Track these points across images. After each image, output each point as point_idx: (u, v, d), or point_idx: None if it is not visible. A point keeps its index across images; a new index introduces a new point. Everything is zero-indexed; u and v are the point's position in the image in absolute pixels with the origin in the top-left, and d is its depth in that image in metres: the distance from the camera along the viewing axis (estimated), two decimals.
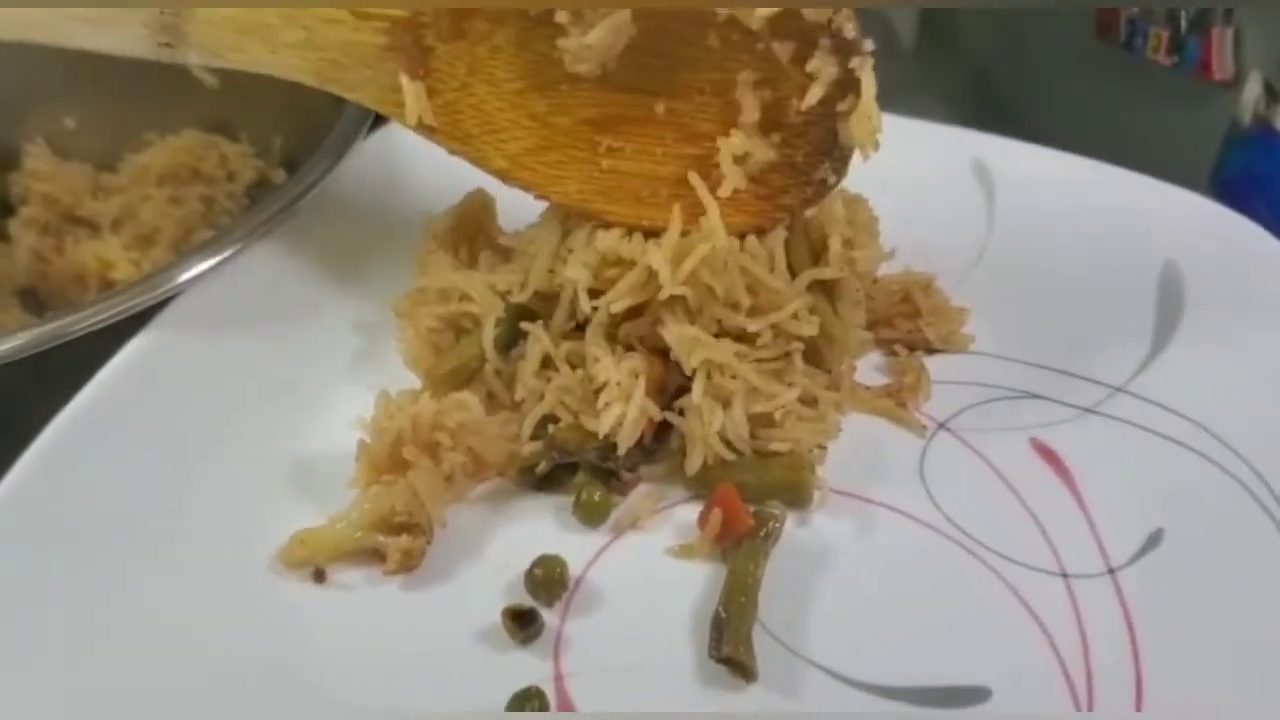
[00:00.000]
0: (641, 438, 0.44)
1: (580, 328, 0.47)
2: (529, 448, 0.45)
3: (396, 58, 0.45)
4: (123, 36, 0.45)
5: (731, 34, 0.43)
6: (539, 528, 0.44)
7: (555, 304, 0.47)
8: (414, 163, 0.54)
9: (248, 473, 0.45)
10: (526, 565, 0.42)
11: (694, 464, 0.44)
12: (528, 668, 0.39)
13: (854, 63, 0.44)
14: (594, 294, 0.46)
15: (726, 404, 0.44)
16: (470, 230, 0.53)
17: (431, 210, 0.52)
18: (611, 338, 0.46)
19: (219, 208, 0.67)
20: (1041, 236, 0.52)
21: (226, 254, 0.47)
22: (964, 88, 0.94)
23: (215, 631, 0.40)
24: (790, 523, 0.43)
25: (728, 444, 0.44)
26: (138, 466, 0.43)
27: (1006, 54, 0.91)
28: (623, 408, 0.43)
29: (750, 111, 0.44)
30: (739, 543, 0.42)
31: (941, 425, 0.47)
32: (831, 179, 0.45)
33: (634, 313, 0.45)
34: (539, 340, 0.46)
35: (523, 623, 0.40)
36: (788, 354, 0.45)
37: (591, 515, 0.43)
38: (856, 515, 0.44)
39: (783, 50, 0.43)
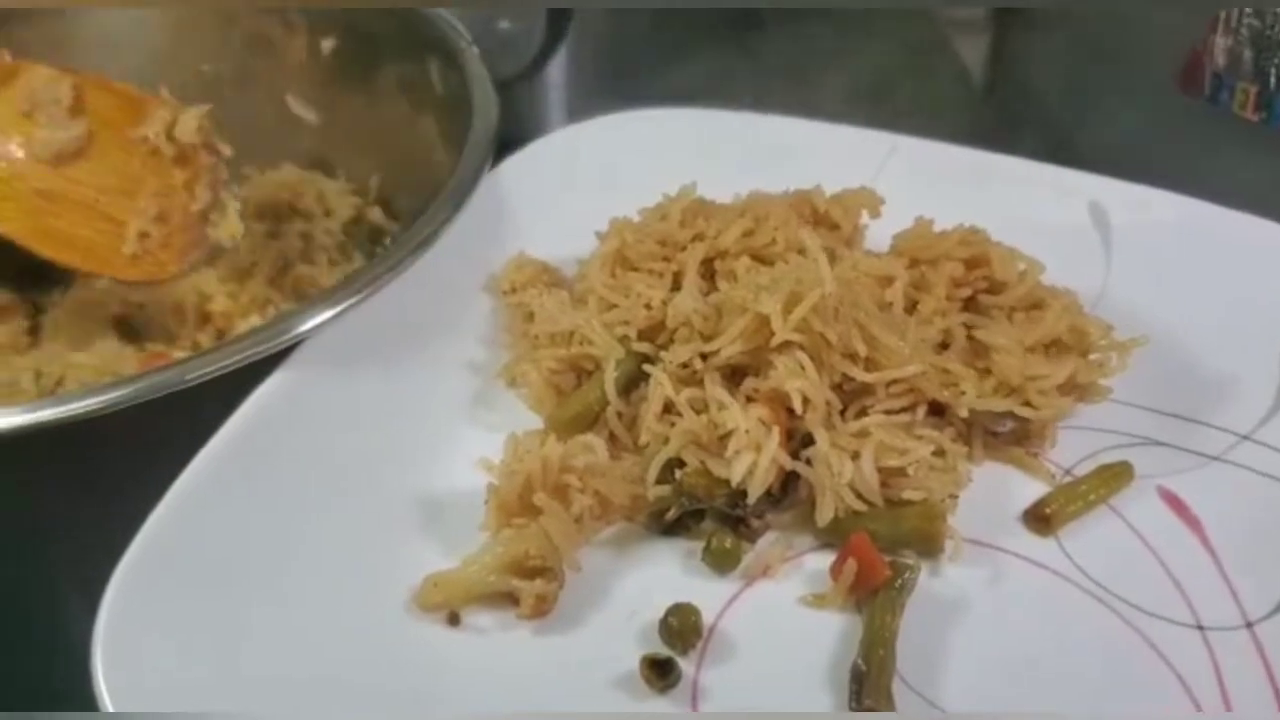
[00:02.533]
0: (770, 486, 0.44)
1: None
2: (655, 492, 0.45)
3: None
4: None
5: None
6: (668, 573, 0.44)
7: (668, 346, 0.48)
8: (524, 205, 0.54)
9: (378, 515, 0.45)
10: (657, 611, 0.42)
11: (825, 515, 0.44)
12: (666, 717, 0.39)
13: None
14: (704, 337, 0.47)
15: (855, 455, 0.44)
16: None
17: (537, 252, 0.53)
18: (728, 380, 0.46)
19: (315, 244, 0.67)
20: (1161, 280, 0.52)
21: (350, 301, 0.47)
22: (1037, 132, 0.94)
23: (354, 673, 0.40)
24: (922, 573, 0.43)
25: (858, 495, 0.44)
26: (273, 508, 0.43)
27: (1083, 101, 0.91)
28: (754, 456, 0.43)
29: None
30: (874, 593, 0.42)
31: (1068, 472, 0.47)
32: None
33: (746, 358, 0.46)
34: (661, 384, 0.46)
35: (661, 672, 0.40)
36: (913, 405, 0.45)
37: (722, 562, 0.43)
38: (987, 565, 0.44)
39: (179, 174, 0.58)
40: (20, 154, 0.55)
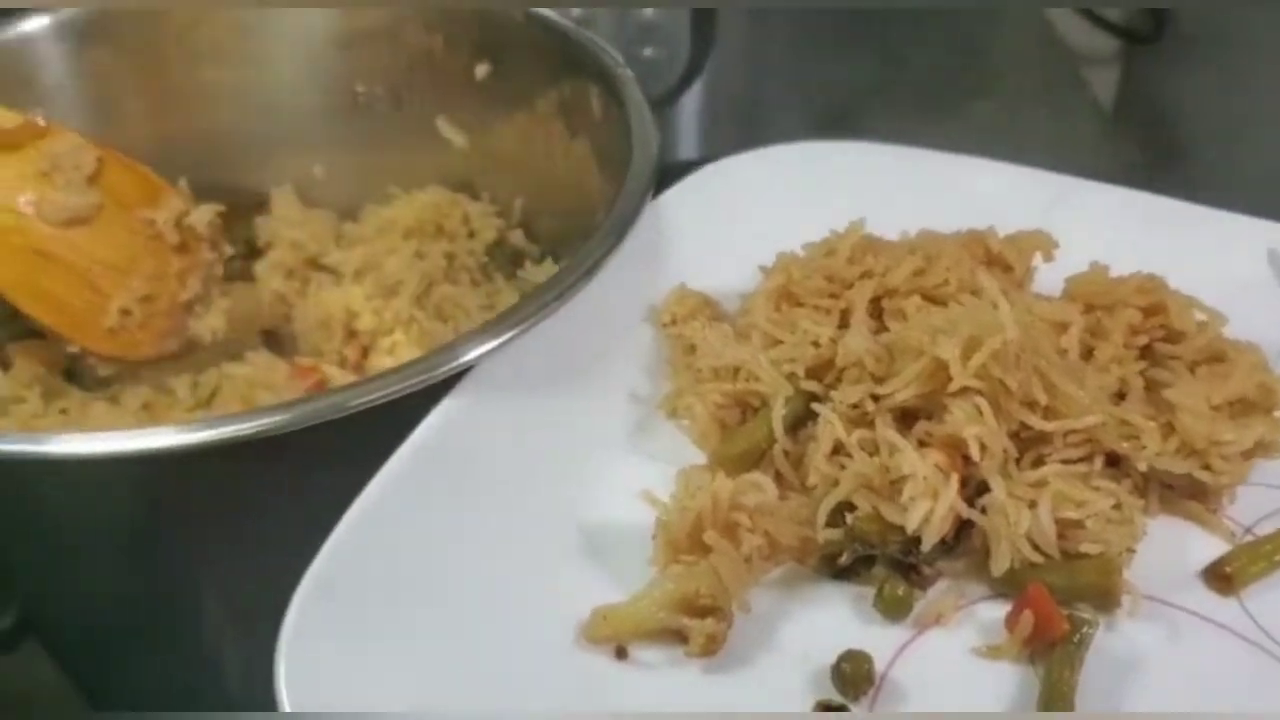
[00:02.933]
0: (944, 534, 0.43)
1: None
2: (825, 534, 0.44)
3: None
4: None
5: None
6: (838, 618, 0.43)
7: (835, 385, 0.47)
8: (685, 236, 0.54)
9: (544, 542, 0.45)
10: (827, 655, 0.41)
11: (1000, 565, 0.43)
12: None
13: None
14: (875, 378, 0.46)
15: (1031, 504, 0.43)
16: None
17: (697, 283, 0.53)
18: (898, 422, 0.46)
19: (458, 264, 0.68)
20: None
21: (513, 333, 0.47)
22: (1166, 156, 0.92)
23: (522, 699, 0.40)
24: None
25: (1034, 545, 0.43)
26: (445, 533, 0.44)
27: (1223, 133, 0.89)
28: (930, 503, 0.42)
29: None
30: (1051, 647, 0.41)
31: (1249, 530, 0.46)
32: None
33: (919, 401, 0.45)
34: (831, 424, 0.45)
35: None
36: (1090, 456, 0.45)
37: (895, 609, 0.43)
38: (1165, 622, 0.43)
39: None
40: (30, 210, 0.57)
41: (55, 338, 0.59)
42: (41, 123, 0.58)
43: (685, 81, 0.73)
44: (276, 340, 0.67)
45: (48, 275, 0.58)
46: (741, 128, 0.81)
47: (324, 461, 0.47)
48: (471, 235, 0.69)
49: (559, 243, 0.68)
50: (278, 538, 0.49)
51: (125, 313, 0.60)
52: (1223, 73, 0.89)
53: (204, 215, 0.63)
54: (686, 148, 0.82)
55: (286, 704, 0.38)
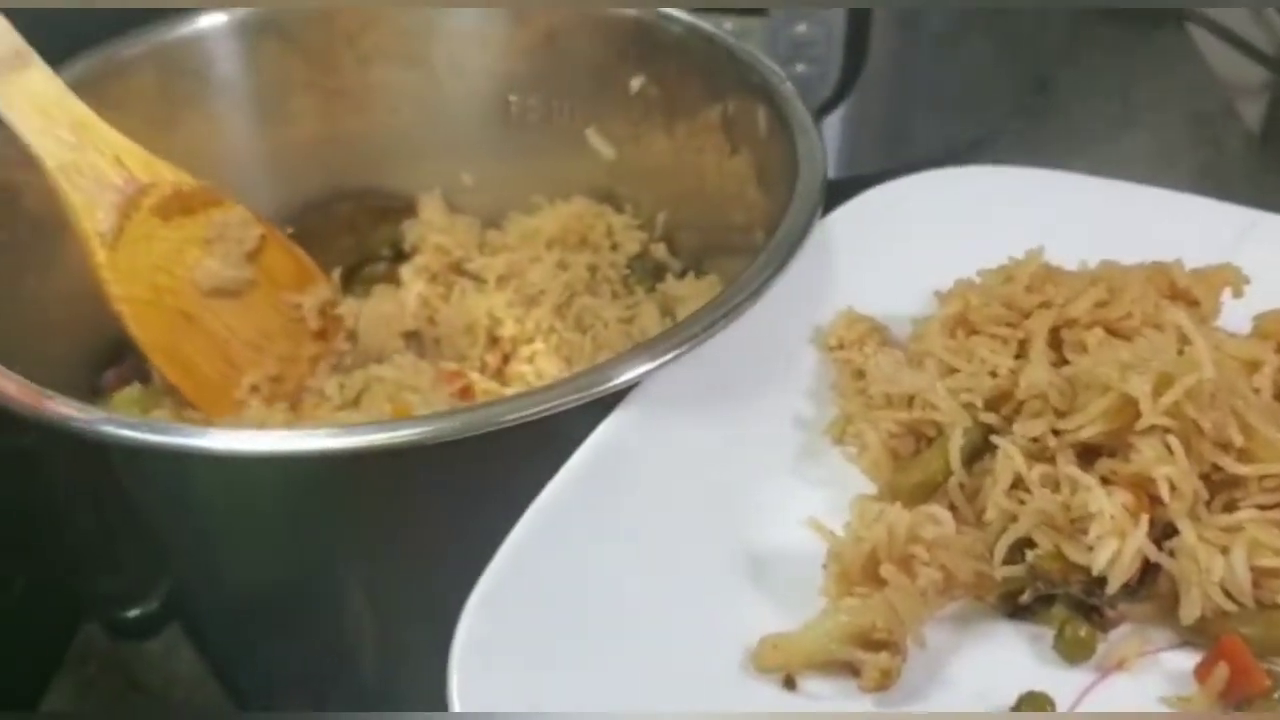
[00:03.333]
0: (1130, 576, 0.42)
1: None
2: (1003, 572, 0.43)
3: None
4: None
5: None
6: (1014, 657, 0.42)
7: (1013, 417, 0.46)
8: (851, 258, 0.53)
9: (709, 566, 0.44)
10: (1005, 696, 0.40)
11: (1191, 612, 0.41)
12: None
13: None
14: (1057, 412, 0.45)
15: (1224, 550, 0.41)
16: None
17: (864, 307, 0.52)
18: (1080, 458, 0.44)
19: (600, 276, 0.68)
20: None
21: (677, 352, 0.47)
22: None
23: None
24: None
25: (1227, 594, 0.41)
26: (612, 552, 0.44)
27: None
28: (1118, 543, 0.41)
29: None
30: (1247, 702, 0.39)
31: None
32: None
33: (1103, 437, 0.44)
34: (1011, 458, 0.44)
35: None
36: None
37: (1076, 652, 0.41)
38: None
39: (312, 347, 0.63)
40: (185, 274, 0.58)
41: (180, 401, 0.59)
42: (214, 192, 0.59)
43: (836, 99, 0.72)
44: (418, 343, 0.68)
45: (189, 341, 0.58)
46: (883, 148, 0.79)
47: (474, 472, 0.47)
48: (614, 247, 0.68)
49: (701, 257, 0.67)
50: (422, 545, 0.50)
51: (254, 389, 0.60)
52: None
53: (354, 307, 0.64)
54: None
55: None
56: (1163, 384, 0.42)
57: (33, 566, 0.62)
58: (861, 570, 0.42)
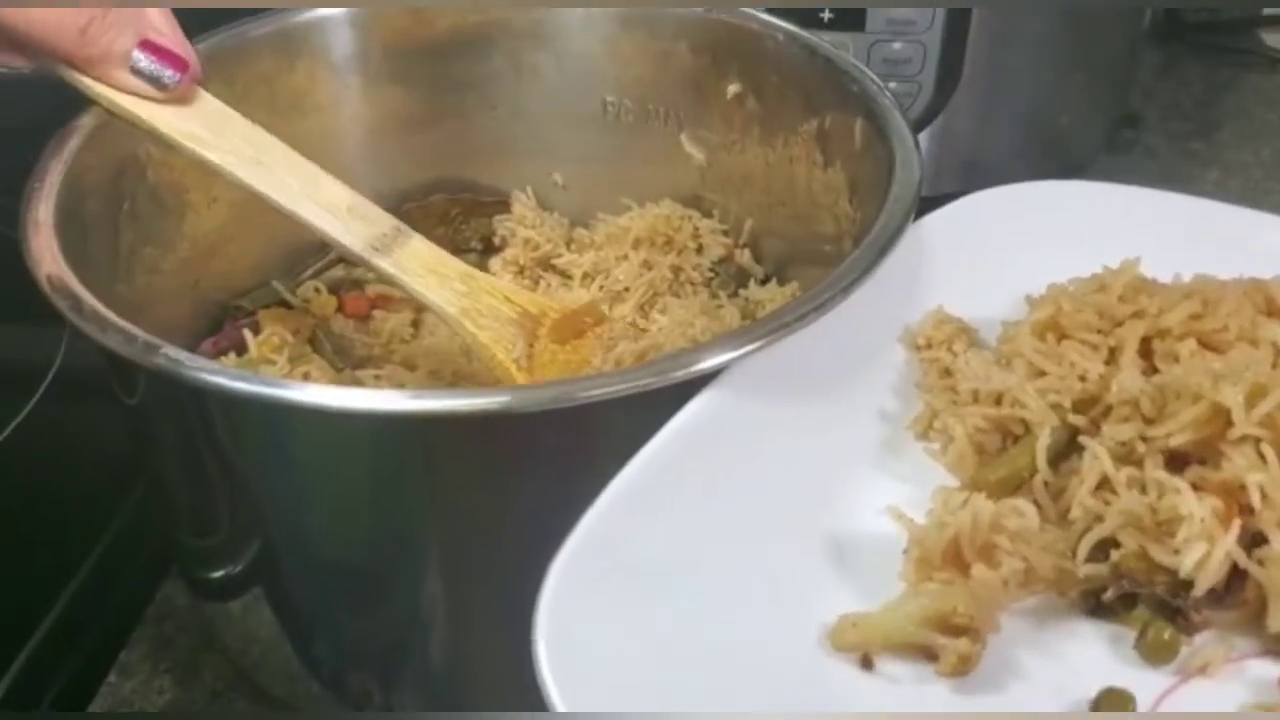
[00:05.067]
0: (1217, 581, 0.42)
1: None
2: (1085, 569, 0.43)
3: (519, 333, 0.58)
4: (346, 232, 0.56)
5: None
6: (1094, 654, 0.42)
7: (1100, 421, 0.46)
8: (943, 262, 0.54)
9: (790, 546, 0.45)
10: (1084, 691, 0.40)
11: (1278, 621, 0.41)
12: None
13: None
14: (1146, 419, 0.45)
15: None
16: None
17: (953, 309, 0.53)
18: (1168, 465, 0.44)
19: (684, 277, 0.69)
20: None
21: (764, 341, 0.47)
22: None
23: (765, 699, 0.40)
24: None
25: None
26: (695, 527, 0.44)
27: None
28: (1207, 547, 0.41)
29: None
30: None
31: None
32: None
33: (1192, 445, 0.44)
34: (1099, 459, 0.44)
35: None
36: None
37: (1159, 654, 0.41)
38: None
39: None
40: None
41: None
42: (598, 311, 0.62)
43: (926, 119, 0.73)
44: None
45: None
46: (966, 174, 0.80)
47: (558, 445, 0.48)
48: (699, 250, 0.70)
49: (785, 265, 0.68)
50: (504, 516, 0.50)
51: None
52: None
53: None
54: None
55: (552, 689, 0.38)
56: (1256, 394, 0.43)
57: (123, 521, 0.64)
58: (942, 556, 0.43)
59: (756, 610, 0.43)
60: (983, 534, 0.43)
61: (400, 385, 0.63)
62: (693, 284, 0.69)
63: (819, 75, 0.61)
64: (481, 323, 0.57)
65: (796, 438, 0.48)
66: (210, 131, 0.55)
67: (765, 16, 0.64)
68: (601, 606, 0.41)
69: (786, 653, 0.42)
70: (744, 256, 0.70)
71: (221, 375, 0.46)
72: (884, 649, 0.42)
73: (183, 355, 0.47)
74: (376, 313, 0.67)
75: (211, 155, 0.54)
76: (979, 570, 0.42)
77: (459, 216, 0.73)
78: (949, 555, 0.43)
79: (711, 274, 0.70)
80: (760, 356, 0.47)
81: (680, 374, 0.46)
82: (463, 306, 0.57)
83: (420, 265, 0.57)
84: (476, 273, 0.59)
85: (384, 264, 0.56)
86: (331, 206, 0.56)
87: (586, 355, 0.59)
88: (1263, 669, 0.41)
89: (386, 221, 0.57)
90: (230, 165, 0.55)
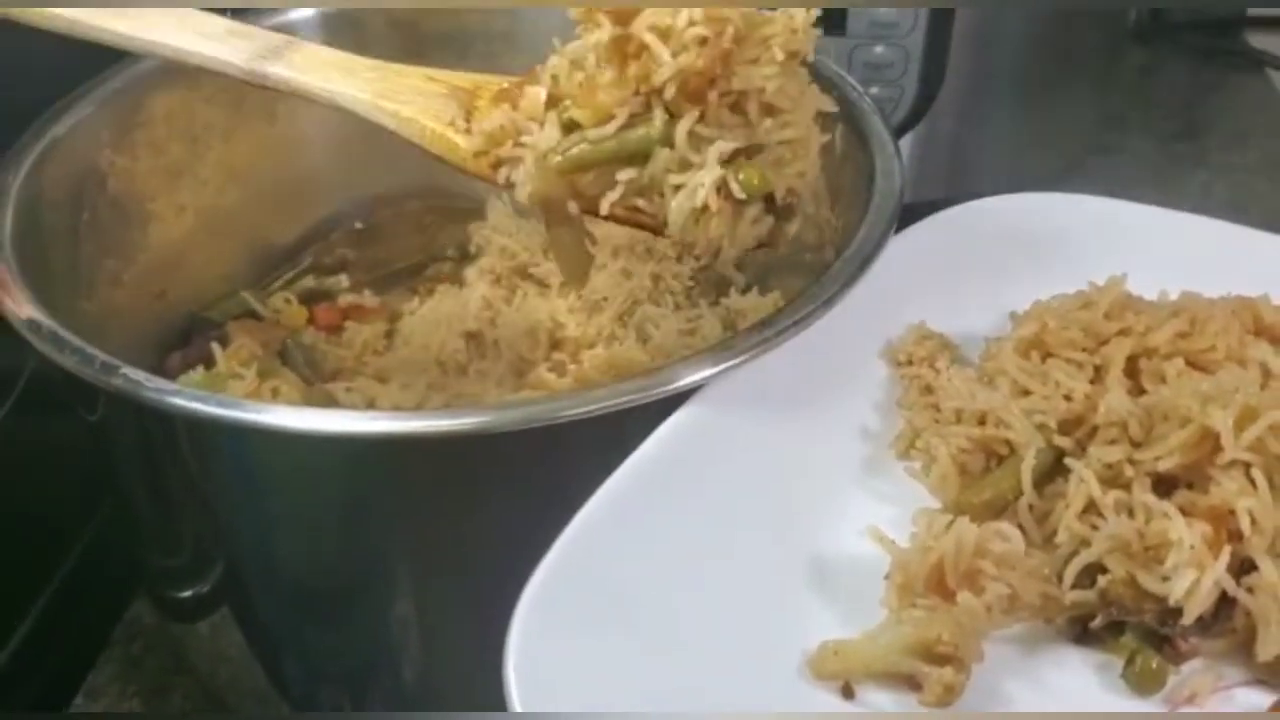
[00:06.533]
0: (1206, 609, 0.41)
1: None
2: (1072, 596, 0.42)
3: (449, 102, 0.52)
4: (228, 50, 0.51)
5: None
6: (1080, 684, 0.41)
7: (1086, 442, 0.45)
8: (924, 275, 0.53)
9: (769, 568, 0.44)
10: None
11: (1268, 650, 0.40)
12: None
13: None
14: (1133, 441, 0.44)
15: None
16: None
17: (935, 324, 0.52)
18: (1155, 488, 0.43)
19: (663, 286, 0.68)
20: None
21: (744, 357, 0.46)
22: None
23: None
24: None
25: None
26: (671, 549, 0.43)
27: None
28: (1197, 574, 0.40)
29: None
30: None
31: None
32: None
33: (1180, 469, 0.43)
34: (1086, 482, 0.43)
35: None
36: None
37: (1147, 682, 0.40)
38: None
39: None
40: None
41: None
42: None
43: (909, 124, 0.72)
44: (478, 343, 0.68)
45: None
46: (949, 178, 0.79)
47: (533, 465, 0.47)
48: (679, 259, 0.68)
49: (766, 274, 0.67)
50: (475, 537, 0.49)
51: None
52: None
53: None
54: None
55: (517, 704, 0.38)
56: (1246, 418, 0.42)
57: (90, 540, 0.62)
58: (925, 582, 0.42)
59: (735, 636, 0.42)
60: (966, 559, 0.42)
61: (372, 399, 0.61)
62: (672, 293, 0.68)
63: None
64: (403, 98, 0.52)
65: (775, 456, 0.47)
66: None
67: None
68: (574, 634, 0.40)
69: (766, 681, 0.41)
70: (724, 265, 0.68)
71: (179, 397, 0.45)
72: (866, 677, 0.41)
73: (141, 376, 0.45)
74: (349, 324, 0.66)
75: (69, 11, 0.50)
76: (964, 597, 0.41)
77: (434, 224, 0.71)
78: (932, 581, 0.42)
79: (691, 282, 0.68)
80: (738, 372, 0.46)
81: (657, 392, 0.45)
82: (378, 89, 0.52)
83: (319, 63, 0.52)
84: (391, 64, 0.53)
85: (275, 69, 0.51)
86: (209, 33, 0.52)
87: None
88: (1251, 698, 0.41)
89: (276, 37, 0.53)
90: (94, 18, 0.50)
